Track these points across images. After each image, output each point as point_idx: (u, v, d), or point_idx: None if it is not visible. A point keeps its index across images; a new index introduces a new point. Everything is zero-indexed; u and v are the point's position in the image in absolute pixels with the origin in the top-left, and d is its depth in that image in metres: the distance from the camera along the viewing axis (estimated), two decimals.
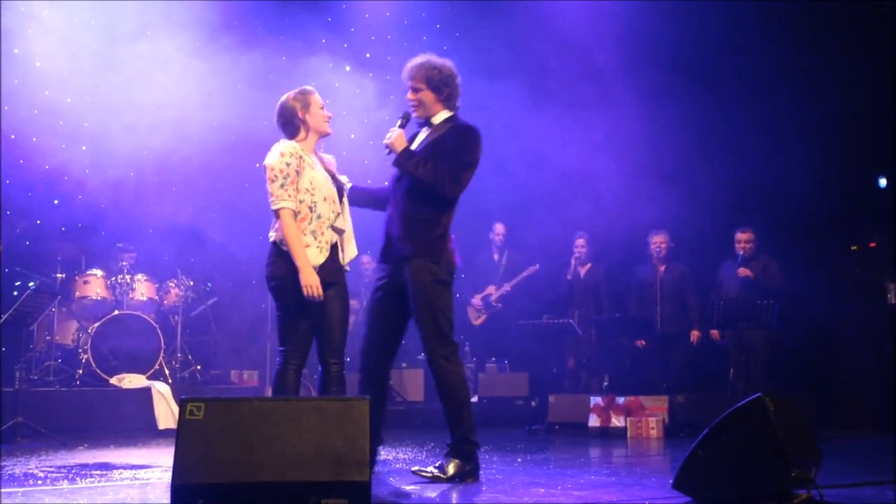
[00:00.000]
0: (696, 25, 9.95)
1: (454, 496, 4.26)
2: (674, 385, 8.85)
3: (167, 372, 8.85)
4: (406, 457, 6.14)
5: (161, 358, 8.78)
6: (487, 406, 9.56)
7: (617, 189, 9.80)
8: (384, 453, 6.25)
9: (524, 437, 8.07)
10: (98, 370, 8.49)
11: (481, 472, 4.84)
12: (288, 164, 4.51)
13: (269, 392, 7.79)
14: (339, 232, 4.68)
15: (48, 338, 8.81)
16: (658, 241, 9.30)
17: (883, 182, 10.03)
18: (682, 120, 9.91)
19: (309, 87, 4.81)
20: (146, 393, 8.33)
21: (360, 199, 5.00)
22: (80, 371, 8.52)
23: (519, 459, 5.95)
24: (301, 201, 4.51)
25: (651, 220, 9.47)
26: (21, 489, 4.43)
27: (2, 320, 7.43)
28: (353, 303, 4.85)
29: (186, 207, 9.66)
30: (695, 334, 9.12)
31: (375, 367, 4.86)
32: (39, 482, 4.74)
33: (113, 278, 9.09)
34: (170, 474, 3.57)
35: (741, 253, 8.80)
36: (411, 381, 9.97)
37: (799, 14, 9.80)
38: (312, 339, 4.66)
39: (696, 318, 9.16)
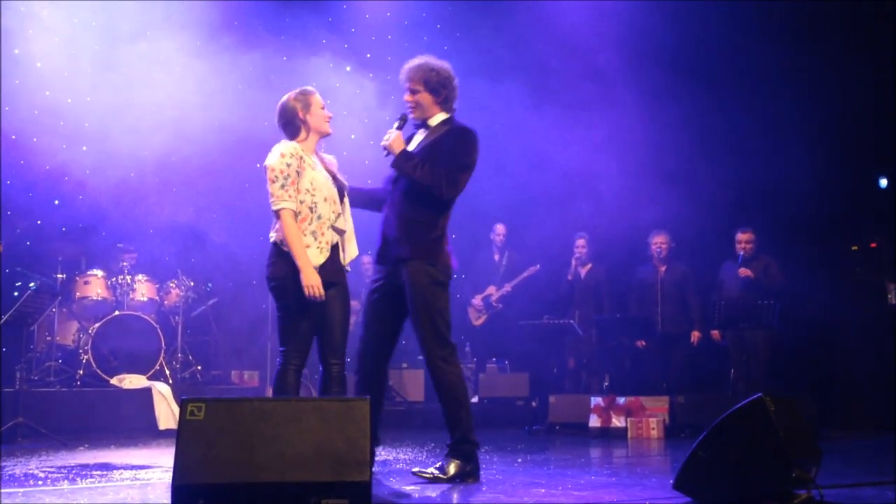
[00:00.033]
0: (696, 25, 9.95)
1: (454, 496, 4.26)
2: (674, 385, 8.85)
3: (168, 372, 8.85)
4: (406, 457, 6.14)
5: (161, 358, 8.78)
6: (488, 406, 9.55)
7: (618, 189, 9.79)
8: (384, 454, 6.26)
9: (525, 437, 8.07)
10: (98, 370, 8.49)
11: (482, 472, 4.84)
12: (288, 165, 4.51)
13: (269, 392, 7.79)
14: (340, 232, 4.68)
15: (49, 338, 8.81)
16: (659, 242, 9.29)
17: (884, 182, 10.04)
18: (683, 120, 9.91)
19: (309, 88, 4.80)
20: (147, 393, 8.33)
21: (357, 199, 5.00)
22: (81, 371, 8.52)
23: (519, 460, 5.95)
24: (301, 202, 4.51)
25: (652, 220, 9.47)
26: (21, 489, 4.43)
27: (2, 321, 7.43)
28: (353, 303, 4.85)
29: (187, 208, 9.66)
30: (695, 335, 9.12)
31: (371, 368, 4.86)
32: (40, 482, 4.74)
33: (113, 279, 9.09)
34: (170, 474, 3.57)
35: (742, 253, 8.80)
36: (411, 382, 9.97)
37: (800, 14, 9.80)
38: (313, 340, 4.66)
39: (696, 319, 9.15)
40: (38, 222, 9.40)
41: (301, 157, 4.56)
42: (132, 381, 8.47)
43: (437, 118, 4.94)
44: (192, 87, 9.05)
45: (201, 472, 3.50)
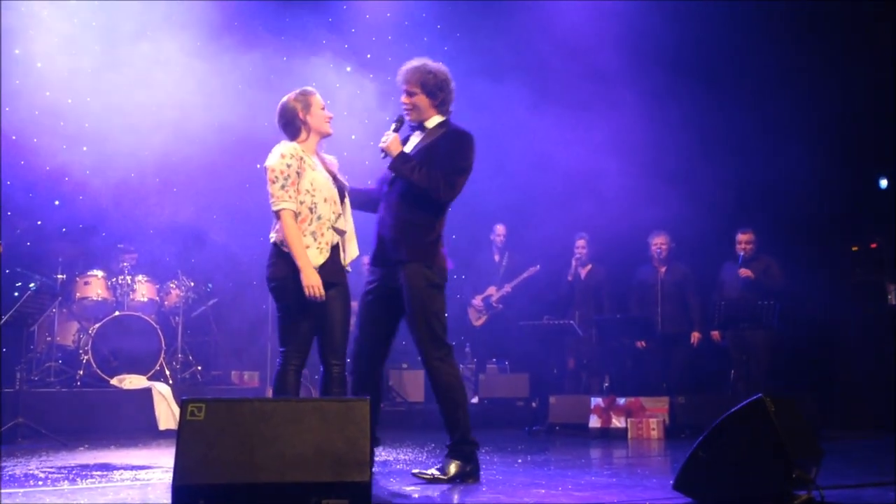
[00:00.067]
0: (697, 26, 9.95)
1: (455, 497, 4.26)
2: (674, 386, 8.85)
3: (168, 373, 8.85)
4: (407, 458, 6.14)
5: (162, 359, 8.78)
6: (488, 407, 9.56)
7: (618, 189, 9.79)
8: (384, 454, 6.26)
9: (525, 437, 8.07)
10: (99, 371, 8.49)
11: (482, 472, 4.84)
12: (288, 166, 4.51)
13: (269, 393, 7.79)
14: (341, 233, 4.68)
15: (49, 338, 8.81)
16: (659, 243, 9.30)
17: (884, 183, 10.04)
18: (684, 120, 9.91)
19: (310, 88, 4.80)
20: (147, 394, 8.34)
21: (357, 200, 5.00)
22: (81, 372, 8.52)
23: (519, 460, 5.95)
24: (301, 202, 4.51)
25: (652, 220, 9.47)
26: (22, 490, 4.43)
27: (3, 321, 7.43)
28: (354, 304, 4.85)
29: (187, 208, 9.66)
30: (695, 336, 9.12)
31: (367, 369, 4.87)
32: (40, 483, 4.74)
33: (114, 279, 9.09)
34: (170, 475, 3.57)
35: (742, 253, 8.80)
36: (411, 382, 9.97)
37: (800, 14, 9.81)
38: (312, 340, 4.66)
39: (696, 320, 9.15)
40: (39, 223, 9.40)
41: (301, 158, 4.56)
42: (132, 382, 8.47)
43: (434, 120, 4.94)
44: (193, 87, 9.04)
45: (201, 473, 3.50)
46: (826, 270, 9.52)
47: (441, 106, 4.94)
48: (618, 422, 8.18)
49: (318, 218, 4.54)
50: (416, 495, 4.29)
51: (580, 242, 9.72)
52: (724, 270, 9.05)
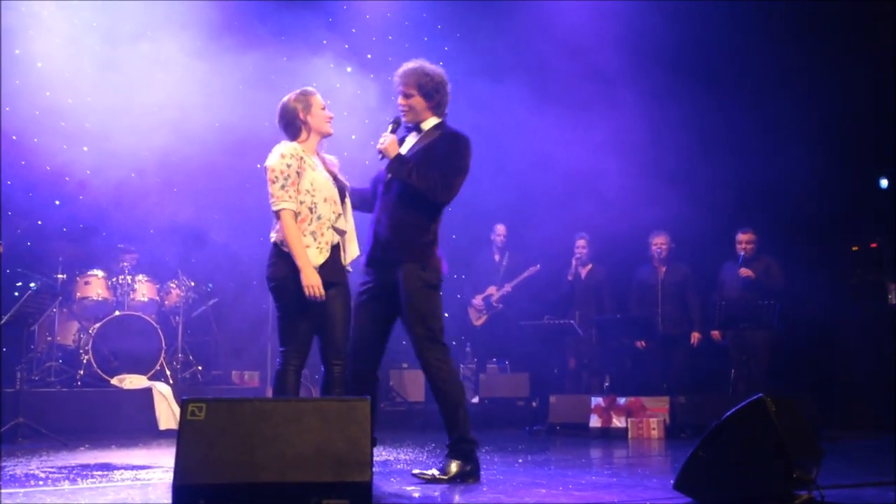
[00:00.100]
0: (697, 26, 9.95)
1: (455, 497, 4.26)
2: (675, 386, 8.85)
3: (168, 372, 8.85)
4: (407, 457, 6.14)
5: (162, 358, 8.79)
6: (488, 407, 9.56)
7: (619, 189, 9.80)
8: (385, 454, 6.26)
9: (525, 437, 8.08)
10: (99, 371, 8.49)
11: (482, 472, 4.84)
12: (288, 166, 4.51)
13: (269, 393, 7.80)
14: (341, 233, 4.68)
15: (49, 338, 8.81)
16: (659, 243, 9.30)
17: (884, 183, 10.04)
18: (684, 120, 9.91)
19: (310, 88, 4.81)
20: (147, 393, 8.34)
21: (357, 200, 5.01)
22: (82, 372, 8.52)
23: (520, 460, 5.95)
24: (301, 202, 4.51)
25: (653, 220, 9.47)
26: (22, 490, 4.43)
27: (3, 321, 7.44)
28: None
29: (187, 208, 9.66)
30: (695, 336, 9.13)
31: (364, 368, 4.86)
32: (41, 483, 4.74)
33: (114, 279, 9.09)
34: (171, 475, 3.57)
35: (742, 253, 8.81)
36: (412, 382, 9.97)
37: (800, 14, 9.81)
38: (312, 340, 4.66)
39: (696, 320, 9.16)
40: (39, 222, 9.40)
41: (301, 158, 4.56)
42: (133, 382, 8.47)
43: (430, 122, 4.96)
44: (193, 87, 9.04)
45: (202, 473, 3.50)
46: (826, 270, 9.53)
47: (437, 108, 4.96)
48: (618, 421, 8.18)
49: (318, 218, 4.55)
50: (417, 495, 4.29)
51: (580, 242, 9.72)
52: (724, 270, 9.06)
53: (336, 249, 4.65)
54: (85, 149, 9.16)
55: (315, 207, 4.54)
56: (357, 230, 4.88)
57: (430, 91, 4.90)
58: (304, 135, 4.70)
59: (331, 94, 5.41)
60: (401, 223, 4.80)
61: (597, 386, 9.30)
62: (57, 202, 9.45)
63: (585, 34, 10.06)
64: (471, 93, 9.44)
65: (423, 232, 4.84)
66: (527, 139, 10.40)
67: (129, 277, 9.11)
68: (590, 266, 9.80)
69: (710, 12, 9.84)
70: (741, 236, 8.87)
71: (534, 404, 9.30)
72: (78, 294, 8.91)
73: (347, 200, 4.77)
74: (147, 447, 6.99)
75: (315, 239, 4.53)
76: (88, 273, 9.01)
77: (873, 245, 9.83)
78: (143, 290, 9.17)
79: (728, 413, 3.93)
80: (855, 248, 10.04)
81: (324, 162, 4.76)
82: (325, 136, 4.79)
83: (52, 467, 5.44)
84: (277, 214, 4.52)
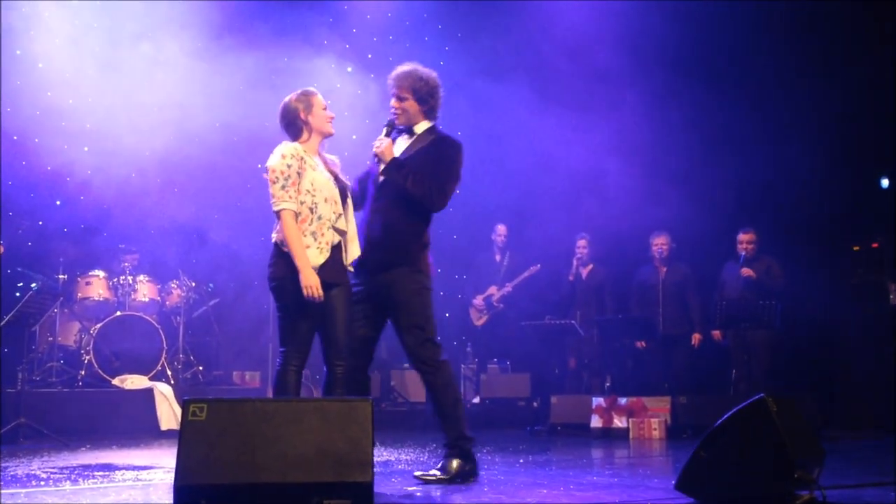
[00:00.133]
0: (697, 26, 9.95)
1: (457, 497, 4.25)
2: (676, 386, 8.85)
3: (169, 373, 8.86)
4: (408, 458, 6.14)
5: (163, 359, 8.79)
6: (489, 407, 9.56)
7: (620, 189, 9.80)
8: (386, 454, 6.27)
9: (526, 437, 8.08)
10: (100, 371, 8.49)
11: (483, 472, 4.86)
12: (289, 166, 4.51)
13: (270, 393, 7.81)
14: (341, 233, 4.68)
15: (50, 339, 8.81)
16: (660, 243, 9.30)
17: (885, 183, 10.03)
18: (685, 121, 9.92)
19: (311, 89, 4.81)
20: (148, 394, 8.34)
21: (356, 200, 5.02)
22: (83, 372, 8.53)
23: (521, 460, 5.95)
24: (302, 202, 4.51)
25: (653, 220, 9.47)
26: (24, 490, 4.43)
27: (4, 321, 7.44)
28: None
29: (188, 208, 9.67)
30: (696, 337, 9.13)
31: (356, 365, 4.87)
32: (42, 483, 4.74)
33: (115, 279, 9.10)
34: (172, 475, 3.57)
35: (743, 253, 8.81)
36: (413, 383, 9.96)
37: (800, 14, 9.81)
38: (313, 340, 4.66)
39: (697, 320, 9.16)
40: (40, 223, 9.40)
41: (302, 158, 4.56)
42: (134, 382, 8.47)
43: (422, 126, 5.00)
44: (194, 87, 9.05)
45: (203, 473, 3.50)
46: (827, 270, 9.52)
47: (430, 112, 5.00)
48: (619, 422, 8.18)
49: (319, 218, 4.55)
50: (418, 495, 4.29)
51: (581, 242, 9.73)
52: (725, 270, 9.06)
53: (337, 250, 4.65)
54: (86, 149, 9.17)
55: (316, 208, 4.54)
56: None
57: (425, 95, 4.94)
58: (305, 135, 4.70)
59: (331, 94, 5.41)
60: (395, 227, 4.82)
61: (598, 386, 9.30)
62: (58, 202, 9.46)
63: (586, 34, 10.07)
64: (472, 93, 9.46)
65: (416, 236, 4.88)
66: (527, 139, 10.41)
67: (130, 278, 9.11)
68: (591, 266, 9.80)
69: (711, 12, 9.84)
70: (742, 236, 8.88)
71: (535, 404, 9.30)
72: (79, 294, 8.91)
73: (349, 201, 4.77)
74: (148, 447, 7.00)
75: (315, 239, 4.53)
76: (89, 273, 9.02)
77: (874, 245, 9.82)
78: (145, 290, 9.17)
79: (729, 413, 3.93)
80: (856, 249, 10.03)
81: (325, 162, 4.76)
82: (327, 136, 4.79)
83: (53, 468, 5.45)
84: (278, 215, 4.52)
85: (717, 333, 8.98)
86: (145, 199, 9.58)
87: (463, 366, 10.27)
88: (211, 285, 10.06)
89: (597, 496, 4.23)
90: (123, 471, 5.33)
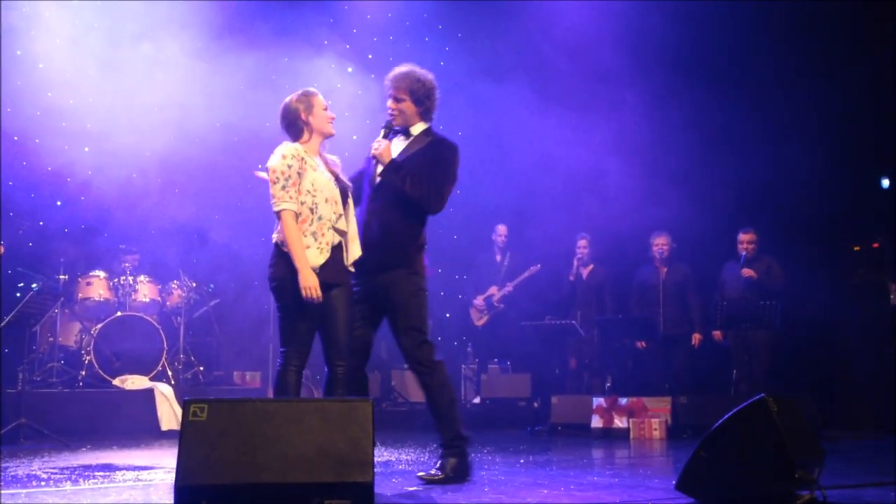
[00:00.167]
0: (699, 27, 9.95)
1: (458, 497, 4.25)
2: (676, 386, 8.85)
3: (170, 373, 8.86)
4: (408, 458, 6.15)
5: (164, 359, 8.79)
6: (490, 407, 9.56)
7: (620, 190, 9.80)
8: (386, 454, 6.27)
9: (527, 438, 8.08)
10: (101, 371, 8.49)
11: (484, 473, 4.89)
12: (289, 167, 4.51)
13: (271, 393, 7.81)
14: (342, 233, 4.68)
15: (51, 339, 8.81)
16: (660, 243, 9.30)
17: (886, 183, 10.03)
18: (685, 121, 9.92)
19: (312, 89, 4.81)
20: (149, 394, 8.34)
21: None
22: (83, 372, 8.53)
23: (521, 460, 5.95)
24: (302, 203, 4.51)
25: (654, 220, 9.47)
26: (24, 490, 4.43)
27: (5, 322, 7.44)
28: None
29: (189, 208, 9.67)
30: (696, 337, 9.13)
31: (353, 365, 4.88)
32: (42, 483, 4.74)
33: (116, 280, 9.09)
34: (173, 475, 3.57)
35: (744, 254, 8.81)
36: (413, 383, 9.91)
37: (800, 14, 9.81)
38: (313, 341, 4.66)
39: (697, 321, 9.16)
40: (41, 223, 9.40)
41: (303, 159, 4.56)
42: (134, 382, 8.48)
43: (418, 127, 5.02)
44: (194, 87, 9.04)
45: (204, 473, 3.51)
46: (827, 270, 9.52)
47: (426, 114, 5.03)
48: (620, 422, 8.18)
49: (319, 218, 4.55)
50: (419, 495, 4.29)
51: (582, 242, 9.73)
52: (725, 270, 9.06)
53: (337, 250, 4.64)
54: (86, 149, 9.17)
55: (316, 208, 4.54)
56: None
57: (422, 97, 4.97)
58: (306, 135, 4.70)
59: (332, 95, 5.41)
60: (392, 229, 4.85)
61: (598, 386, 9.31)
62: (58, 203, 9.46)
63: (586, 34, 10.07)
64: (472, 93, 9.47)
65: (413, 238, 4.91)
66: (527, 139, 10.41)
67: (130, 278, 9.11)
68: (591, 266, 9.80)
69: (711, 12, 9.84)
70: (742, 236, 8.88)
71: (535, 405, 9.30)
72: (80, 295, 8.91)
73: (350, 201, 4.77)
74: (149, 448, 7.00)
75: (316, 239, 4.53)
76: (90, 274, 9.02)
77: (875, 245, 9.82)
78: (145, 290, 9.17)
79: (730, 413, 3.93)
80: (856, 249, 10.03)
81: (326, 162, 4.76)
82: (328, 136, 4.79)
83: (53, 468, 5.45)
84: (278, 215, 4.52)
85: (717, 334, 8.98)
86: (146, 199, 9.58)
87: (463, 366, 10.28)
88: (211, 286, 10.06)
89: (597, 496, 4.24)
90: (124, 471, 5.33)
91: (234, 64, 9.18)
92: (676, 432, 7.96)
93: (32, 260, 9.10)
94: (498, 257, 10.20)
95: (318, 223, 4.54)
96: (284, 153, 4.55)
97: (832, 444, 6.51)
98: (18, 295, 8.41)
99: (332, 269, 4.56)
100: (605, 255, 9.98)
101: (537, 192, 10.57)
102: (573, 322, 9.28)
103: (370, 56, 10.43)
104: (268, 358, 9.37)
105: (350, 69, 9.83)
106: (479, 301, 10.08)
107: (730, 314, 8.38)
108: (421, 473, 4.82)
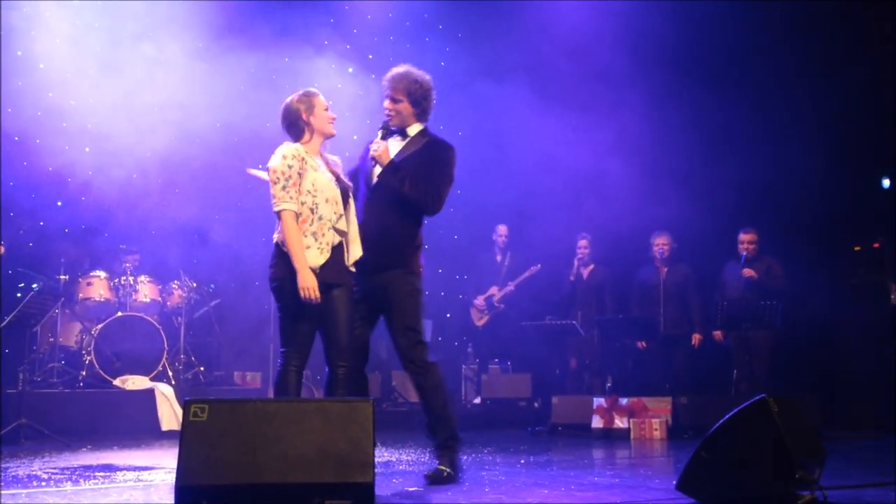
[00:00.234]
0: (698, 27, 9.96)
1: (458, 497, 4.26)
2: (677, 386, 8.85)
3: (170, 373, 8.86)
4: (409, 458, 6.14)
5: (164, 359, 8.79)
6: (490, 407, 9.56)
7: (620, 190, 9.80)
8: (387, 454, 6.27)
9: (527, 438, 8.08)
10: (101, 372, 8.49)
11: (484, 473, 4.91)
12: (290, 167, 4.51)
13: (271, 393, 7.81)
14: (342, 234, 4.68)
15: (51, 339, 8.81)
16: (661, 243, 9.30)
17: (886, 183, 10.03)
18: (685, 121, 9.91)
19: (313, 89, 4.82)
20: (149, 394, 8.34)
21: None
22: (84, 373, 8.53)
23: (522, 461, 5.95)
24: (303, 203, 4.51)
25: (654, 220, 9.47)
26: (25, 490, 4.43)
27: (5, 322, 7.44)
28: None
29: (190, 208, 9.66)
30: (696, 337, 9.13)
31: (353, 365, 4.89)
32: (43, 484, 4.74)
33: (116, 280, 9.09)
34: (173, 476, 3.58)
35: (745, 254, 8.81)
36: None
37: (800, 14, 9.81)
38: (313, 341, 4.67)
39: (697, 321, 9.16)
40: (41, 223, 9.40)
41: (303, 159, 4.56)
42: (135, 383, 8.48)
43: (415, 128, 5.04)
44: (195, 87, 9.04)
45: (204, 474, 3.51)
46: (828, 271, 9.52)
47: (422, 115, 5.05)
48: (620, 422, 8.18)
49: (320, 218, 4.55)
50: (419, 496, 4.29)
51: (582, 243, 9.73)
52: (725, 271, 9.06)
53: (338, 250, 4.64)
54: (87, 149, 9.16)
55: (316, 208, 4.54)
56: None
57: (419, 98, 4.99)
58: (307, 136, 4.70)
59: (332, 95, 5.41)
60: (390, 230, 4.87)
61: (599, 386, 9.31)
62: (59, 203, 9.45)
63: (586, 34, 10.07)
64: (472, 93, 9.47)
65: (411, 238, 4.93)
66: (528, 139, 10.41)
67: (131, 278, 9.11)
68: (592, 266, 9.80)
69: (711, 12, 9.84)
70: (743, 236, 8.88)
71: (536, 405, 9.30)
72: (80, 295, 8.91)
73: (351, 201, 4.77)
74: (149, 448, 7.00)
75: (316, 239, 4.53)
76: (91, 274, 9.02)
77: (875, 245, 9.82)
78: (146, 290, 9.17)
79: (730, 413, 3.93)
80: (857, 249, 10.03)
81: (327, 163, 4.76)
82: (328, 136, 4.79)
83: (54, 468, 5.45)
84: (278, 215, 4.52)
85: (718, 334, 8.98)
86: (146, 199, 9.57)
87: (464, 366, 10.28)
88: (212, 286, 10.06)
89: (598, 497, 4.24)
90: (124, 471, 5.33)
91: (235, 64, 9.18)
92: (677, 432, 7.96)
93: (33, 260, 9.10)
94: (498, 257, 10.20)
95: (318, 223, 4.54)
96: (285, 153, 4.55)
97: (832, 444, 6.50)
98: (19, 295, 8.41)
99: (332, 270, 4.56)
100: (605, 255, 9.98)
101: (538, 192, 10.57)
102: (573, 322, 9.28)
103: (371, 56, 10.43)
104: (268, 358, 9.36)
105: (351, 69, 9.82)
106: (479, 301, 10.09)
107: (730, 314, 8.38)
108: (429, 473, 4.82)
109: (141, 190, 9.46)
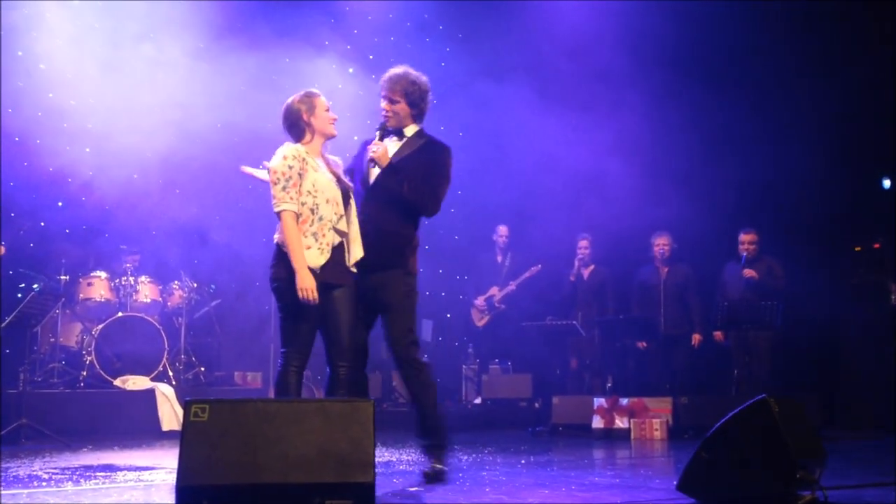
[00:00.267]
0: (698, 27, 9.96)
1: (458, 497, 4.26)
2: (677, 386, 8.85)
3: (171, 374, 8.86)
4: (409, 458, 6.14)
5: (165, 360, 8.79)
6: (491, 408, 9.56)
7: (621, 190, 9.80)
8: (387, 454, 6.27)
9: (528, 438, 8.08)
10: (102, 372, 8.50)
11: (485, 473, 4.92)
12: (290, 167, 4.51)
13: (272, 394, 7.81)
14: (343, 234, 4.68)
15: (52, 339, 8.81)
16: (661, 243, 9.30)
17: (887, 183, 10.03)
18: (686, 121, 9.92)
19: (314, 90, 4.82)
20: (150, 395, 8.35)
21: None
22: (84, 373, 8.53)
23: (522, 461, 5.96)
24: (303, 203, 4.52)
25: (655, 221, 9.48)
26: (25, 491, 4.44)
27: (6, 322, 7.44)
28: None
29: (190, 209, 9.66)
30: (696, 338, 9.13)
31: (353, 365, 4.90)
32: (44, 484, 4.75)
33: (117, 280, 9.09)
34: (174, 476, 3.58)
35: (745, 254, 8.81)
36: None
37: (800, 14, 9.81)
38: (314, 341, 4.67)
39: (697, 321, 9.16)
40: (42, 224, 9.40)
41: (304, 160, 4.57)
42: (136, 383, 8.48)
43: (411, 129, 5.07)
44: (196, 88, 9.04)
45: (205, 474, 3.51)
46: (828, 271, 9.52)
47: (419, 116, 5.08)
48: (621, 422, 8.18)
49: (320, 219, 4.55)
50: (419, 496, 4.29)
51: (583, 243, 9.73)
52: (726, 271, 9.06)
53: (338, 251, 4.65)
54: (87, 150, 9.16)
55: (317, 209, 4.54)
56: None
57: (416, 100, 5.01)
58: (308, 136, 4.70)
59: (333, 95, 5.42)
60: (387, 230, 4.89)
61: (599, 387, 9.31)
62: (60, 203, 9.45)
63: (586, 34, 10.07)
64: (472, 93, 9.47)
65: (408, 239, 4.96)
66: (528, 139, 10.41)
67: (131, 279, 9.11)
68: (592, 267, 9.80)
69: (710, 12, 9.84)
70: (743, 237, 8.88)
71: (536, 405, 9.31)
72: (81, 295, 8.92)
73: (351, 202, 4.77)
74: (150, 448, 7.00)
75: (317, 240, 4.54)
76: (91, 274, 9.02)
77: (876, 246, 9.82)
78: (146, 291, 9.18)
79: (731, 414, 3.94)
80: (858, 249, 10.03)
81: (328, 163, 4.76)
82: (329, 137, 4.80)
83: (55, 468, 5.46)
84: (279, 215, 4.52)
85: (718, 334, 8.98)
86: (147, 199, 9.57)
87: (464, 366, 10.28)
88: (212, 286, 10.07)
89: (598, 497, 4.24)
90: (125, 471, 5.33)
91: (236, 64, 9.18)
92: (677, 433, 7.97)
93: (33, 260, 9.10)
94: (499, 258, 10.20)
95: (318, 224, 4.55)
96: (285, 154, 4.56)
97: (832, 444, 6.51)
98: (20, 296, 8.41)
99: (333, 270, 4.57)
100: (605, 255, 9.98)
101: (538, 192, 10.57)
102: (574, 322, 9.28)
103: (371, 57, 10.43)
104: (269, 358, 9.36)
105: (351, 70, 9.83)
106: (480, 301, 10.09)
107: (731, 314, 8.38)
108: (427, 472, 4.83)
109: (141, 190, 9.46)
